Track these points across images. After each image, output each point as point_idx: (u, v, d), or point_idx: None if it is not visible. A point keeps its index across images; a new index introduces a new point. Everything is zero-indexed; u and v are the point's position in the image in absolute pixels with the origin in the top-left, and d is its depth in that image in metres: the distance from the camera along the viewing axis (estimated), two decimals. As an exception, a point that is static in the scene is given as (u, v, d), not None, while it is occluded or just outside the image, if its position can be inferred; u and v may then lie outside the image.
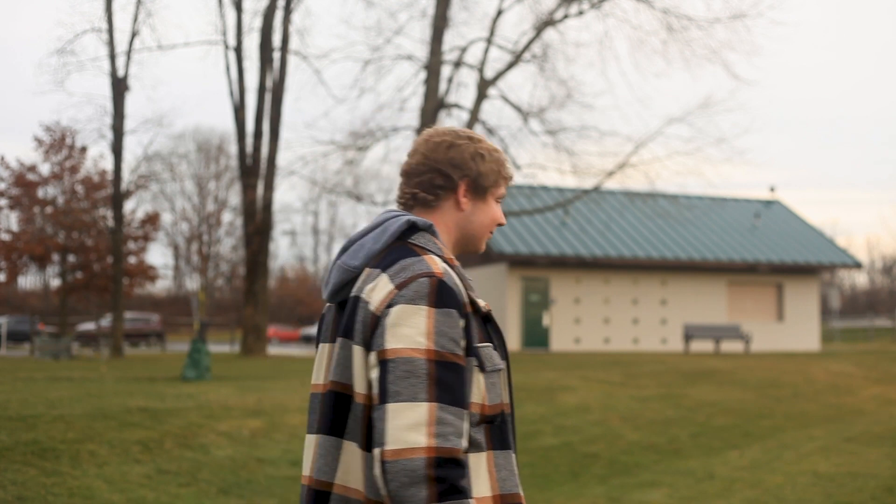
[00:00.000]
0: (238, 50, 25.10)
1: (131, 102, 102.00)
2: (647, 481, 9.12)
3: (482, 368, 1.80)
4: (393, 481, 1.62)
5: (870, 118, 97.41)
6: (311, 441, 1.90)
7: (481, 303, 1.86)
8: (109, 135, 24.93)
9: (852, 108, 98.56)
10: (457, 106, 24.95)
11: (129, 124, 38.17)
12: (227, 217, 61.53)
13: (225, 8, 25.91)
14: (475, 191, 1.96)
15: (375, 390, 1.71)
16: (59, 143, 33.47)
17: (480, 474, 1.77)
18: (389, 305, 1.74)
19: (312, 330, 45.79)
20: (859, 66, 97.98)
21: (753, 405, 14.09)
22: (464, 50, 24.88)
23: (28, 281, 55.05)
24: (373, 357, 1.73)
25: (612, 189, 27.74)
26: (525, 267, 27.72)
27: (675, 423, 12.28)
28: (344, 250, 1.92)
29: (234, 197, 58.08)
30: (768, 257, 29.76)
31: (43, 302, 49.87)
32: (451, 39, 28.44)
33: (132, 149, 53.11)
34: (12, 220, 35.19)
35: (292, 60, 63.15)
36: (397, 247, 1.86)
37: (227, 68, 25.22)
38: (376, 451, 1.66)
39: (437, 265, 1.79)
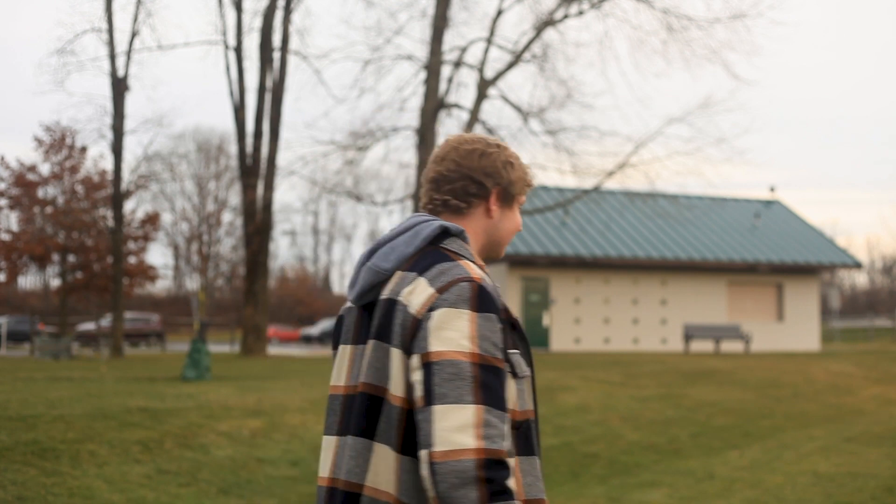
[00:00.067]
0: (238, 50, 25.11)
1: (131, 102, 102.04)
2: (647, 481, 9.12)
3: (514, 374, 1.82)
4: (442, 482, 1.62)
5: (870, 118, 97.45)
6: (330, 442, 1.90)
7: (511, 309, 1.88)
8: (109, 135, 24.94)
9: (852, 108, 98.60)
10: (457, 106, 24.95)
11: (129, 124, 38.15)
12: (227, 217, 61.58)
13: (225, 8, 25.92)
14: (504, 198, 1.99)
15: (419, 393, 1.71)
16: (59, 143, 33.47)
17: None
18: (431, 309, 1.75)
19: (312, 330, 45.77)
20: (859, 66, 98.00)
21: (753, 405, 14.09)
22: (464, 50, 24.88)
23: (28, 281, 55.09)
24: (416, 360, 1.73)
25: (612, 189, 27.74)
26: (525, 267, 27.73)
27: (675, 423, 12.28)
28: (372, 252, 1.92)
29: (234, 197, 58.13)
30: (768, 257, 29.76)
31: (43, 302, 49.87)
32: (451, 39, 28.43)
33: (132, 149, 53.14)
34: (12, 220, 35.22)
35: (292, 60, 63.14)
36: (430, 251, 1.87)
37: (227, 68, 25.23)
38: (423, 452, 1.66)
39: (474, 270, 1.81)
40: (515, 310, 27.33)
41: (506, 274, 27.42)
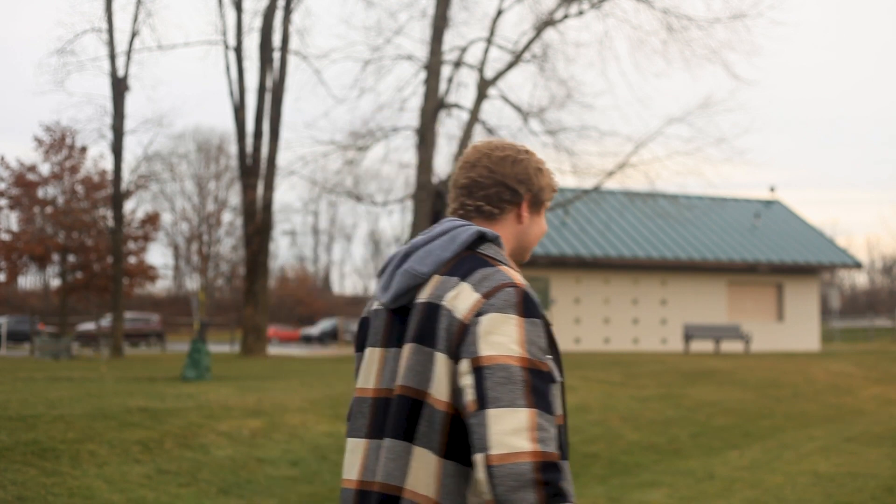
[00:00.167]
0: (238, 50, 25.11)
1: (131, 102, 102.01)
2: (647, 481, 9.12)
3: (552, 380, 1.83)
4: (500, 486, 1.64)
5: (870, 118, 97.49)
6: (358, 445, 1.90)
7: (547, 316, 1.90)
8: (109, 135, 24.95)
9: (852, 108, 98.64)
10: (457, 106, 24.95)
11: (129, 124, 38.13)
12: (227, 217, 61.60)
13: (225, 8, 25.93)
14: (534, 204, 2.02)
15: (471, 397, 1.71)
16: (59, 143, 33.48)
17: None
18: (478, 314, 1.76)
19: (312, 330, 45.78)
20: (859, 66, 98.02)
21: (753, 405, 14.09)
22: (464, 50, 24.88)
23: (28, 281, 55.09)
24: (465, 364, 1.74)
25: (612, 189, 27.74)
26: (525, 267, 27.58)
27: (675, 423, 12.29)
28: (406, 256, 1.92)
29: (234, 197, 58.13)
30: (768, 257, 29.76)
31: (43, 302, 49.87)
32: (451, 39, 28.42)
33: (132, 149, 53.16)
34: (12, 220, 35.23)
35: (292, 60, 63.13)
36: (467, 256, 1.88)
37: (227, 68, 25.23)
38: (480, 456, 1.67)
39: (516, 276, 1.83)
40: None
41: (506, 274, 27.40)
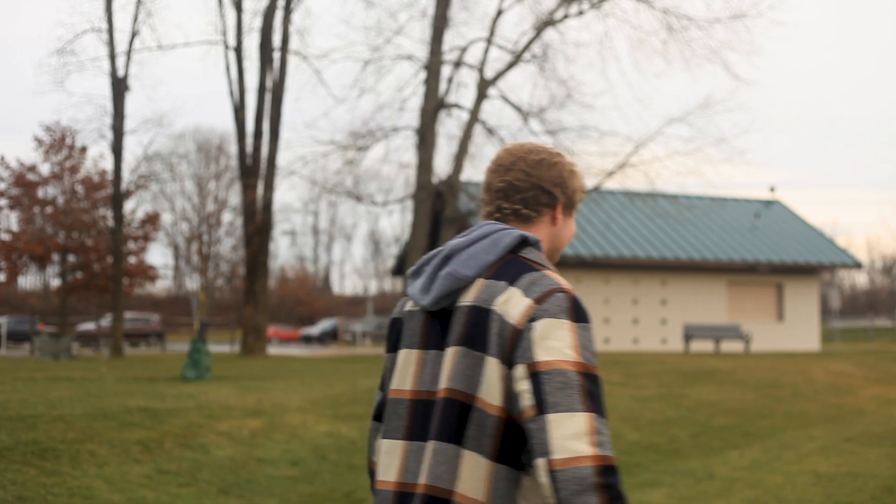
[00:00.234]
0: (238, 50, 25.11)
1: (131, 102, 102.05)
2: (647, 481, 9.12)
3: (602, 383, 1.86)
4: (563, 490, 1.66)
5: (870, 118, 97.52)
6: (395, 446, 1.91)
7: None
8: (109, 135, 24.96)
9: (852, 108, 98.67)
10: (457, 106, 24.95)
11: (129, 124, 38.18)
12: (227, 217, 61.61)
13: (225, 8, 25.95)
14: (567, 207, 2.04)
15: (529, 402, 1.73)
16: (59, 143, 33.49)
17: None
18: (531, 319, 1.77)
19: (312, 330, 45.78)
20: (859, 66, 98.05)
21: (753, 405, 14.09)
22: (464, 50, 24.88)
23: (28, 281, 55.11)
24: (521, 370, 1.75)
25: (612, 189, 27.74)
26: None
27: (675, 423, 12.29)
28: (447, 258, 1.93)
29: (234, 197, 58.14)
30: (768, 257, 29.76)
31: (43, 302, 49.88)
32: (451, 39, 28.44)
33: (132, 149, 53.19)
34: (12, 220, 35.23)
35: (292, 60, 63.16)
36: (511, 260, 1.89)
37: (227, 68, 25.24)
38: (542, 460, 1.69)
39: (562, 281, 1.85)
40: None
41: (506, 274, 27.40)
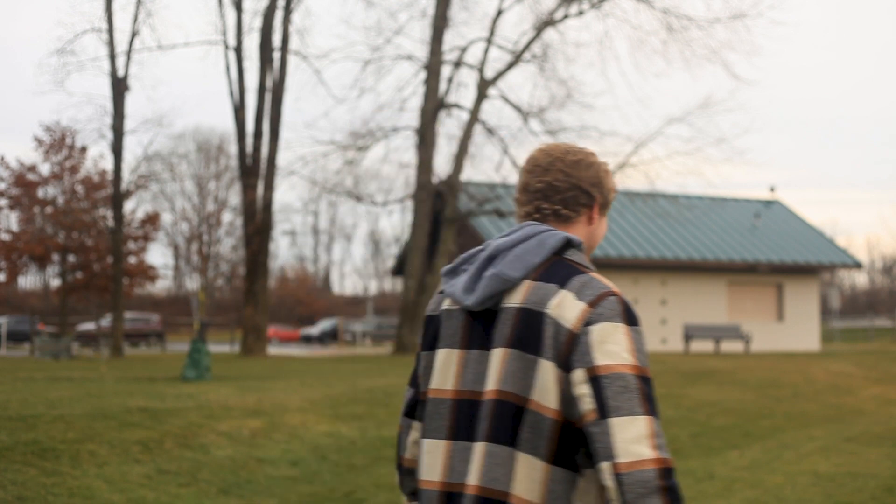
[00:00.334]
0: (238, 50, 25.11)
1: (131, 102, 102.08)
2: (647, 481, 9.10)
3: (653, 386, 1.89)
4: (629, 493, 1.69)
5: (870, 118, 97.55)
6: (437, 446, 1.91)
7: None
8: (109, 135, 24.95)
9: (852, 108, 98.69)
10: (457, 106, 24.96)
11: (129, 124, 38.22)
12: (227, 217, 61.62)
13: (225, 8, 25.96)
14: (603, 207, 2.06)
15: (590, 406, 1.75)
16: (59, 143, 33.49)
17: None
18: (587, 323, 1.79)
19: (312, 330, 45.78)
20: (859, 66, 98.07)
21: (753, 405, 14.09)
22: (464, 50, 24.89)
23: (28, 281, 55.12)
24: (580, 374, 1.76)
25: (612, 189, 27.70)
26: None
27: (675, 423, 12.28)
28: (490, 259, 1.93)
29: (234, 197, 58.16)
30: (768, 257, 29.75)
31: (43, 302, 49.88)
32: (451, 39, 28.45)
33: (132, 149, 53.20)
34: (12, 220, 35.24)
35: (292, 60, 63.17)
36: (556, 262, 1.89)
37: (227, 68, 25.23)
38: (606, 464, 1.71)
39: (611, 283, 1.86)
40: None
41: (506, 274, 27.38)
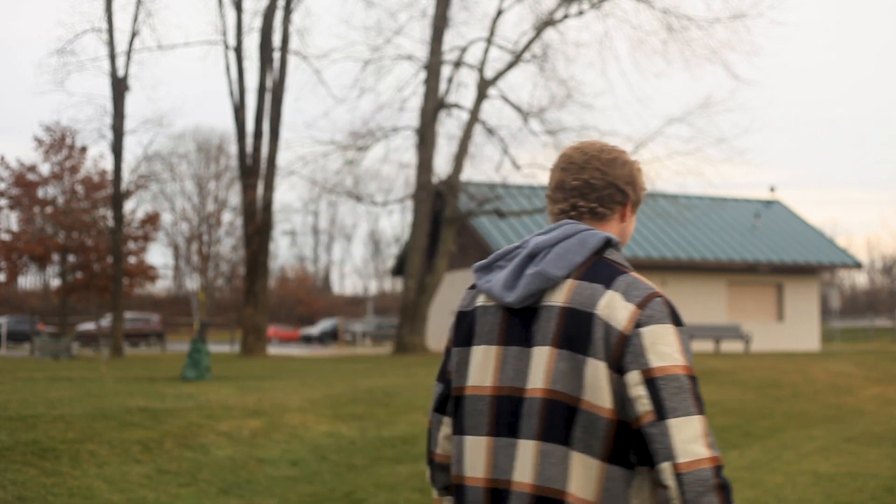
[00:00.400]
0: (238, 50, 25.11)
1: (131, 102, 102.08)
2: (647, 481, 9.11)
3: None
4: (689, 492, 1.73)
5: (870, 118, 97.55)
6: (479, 443, 1.92)
7: None
8: (109, 135, 24.96)
9: (852, 108, 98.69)
10: (457, 106, 24.96)
11: (129, 124, 38.21)
12: (227, 217, 61.63)
13: (225, 8, 25.95)
14: (635, 205, 2.08)
15: (647, 407, 1.78)
16: (59, 143, 33.49)
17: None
18: (638, 325, 1.82)
19: (312, 330, 45.77)
20: (859, 66, 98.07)
21: (753, 405, 14.09)
22: (464, 50, 24.89)
23: (28, 281, 55.11)
24: (636, 376, 1.79)
25: (612, 189, 27.68)
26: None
27: (675, 423, 12.27)
28: (531, 256, 1.93)
29: (234, 197, 58.15)
30: (768, 257, 29.75)
31: (43, 302, 49.88)
32: (451, 39, 28.45)
33: (132, 149, 53.19)
34: (12, 220, 35.24)
35: (292, 60, 63.16)
36: (597, 261, 1.91)
37: (227, 68, 25.24)
38: (667, 464, 1.75)
39: (653, 284, 1.89)
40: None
41: (506, 274, 27.36)
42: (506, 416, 1.89)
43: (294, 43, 39.14)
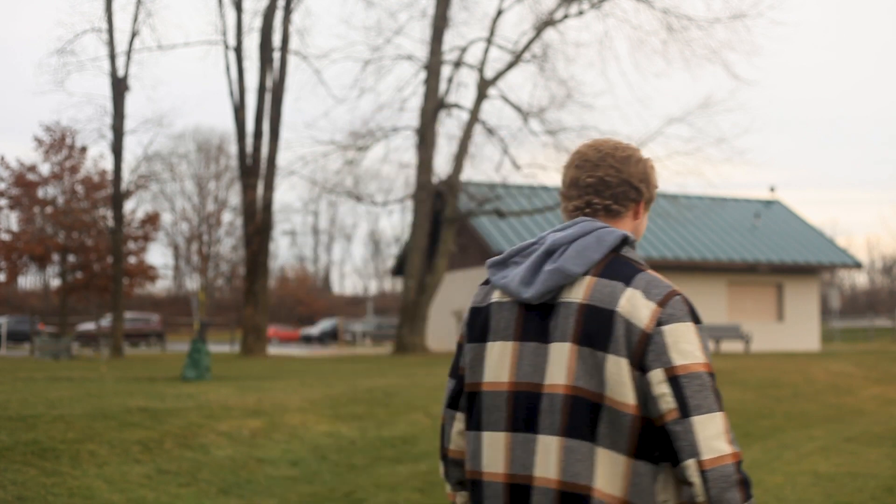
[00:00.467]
0: (238, 50, 25.11)
1: (131, 102, 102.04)
2: (647, 481, 9.10)
3: None
4: (713, 488, 1.77)
5: (870, 118, 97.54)
6: (496, 438, 1.93)
7: None
8: (109, 135, 24.96)
9: (852, 108, 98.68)
10: (457, 106, 24.96)
11: (129, 124, 38.19)
12: (227, 217, 61.63)
13: (225, 8, 25.95)
14: (648, 202, 2.10)
15: (671, 405, 1.80)
16: (59, 143, 33.49)
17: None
18: (659, 323, 1.83)
19: (312, 330, 45.77)
20: (859, 66, 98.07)
21: (753, 405, 14.09)
22: (464, 50, 24.89)
23: (28, 281, 55.11)
24: (659, 374, 1.81)
25: (612, 189, 27.68)
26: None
27: (675, 423, 12.27)
28: (548, 253, 1.94)
29: (234, 197, 58.15)
30: (768, 257, 29.75)
31: (43, 302, 49.88)
32: (451, 39, 28.46)
33: (132, 149, 53.17)
34: (12, 220, 35.24)
35: (292, 60, 63.15)
36: (614, 258, 1.93)
37: (227, 68, 25.24)
38: (691, 461, 1.78)
39: (671, 282, 1.91)
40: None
41: (506, 274, 27.36)
42: (523, 411, 1.89)
43: (294, 43, 39.15)
